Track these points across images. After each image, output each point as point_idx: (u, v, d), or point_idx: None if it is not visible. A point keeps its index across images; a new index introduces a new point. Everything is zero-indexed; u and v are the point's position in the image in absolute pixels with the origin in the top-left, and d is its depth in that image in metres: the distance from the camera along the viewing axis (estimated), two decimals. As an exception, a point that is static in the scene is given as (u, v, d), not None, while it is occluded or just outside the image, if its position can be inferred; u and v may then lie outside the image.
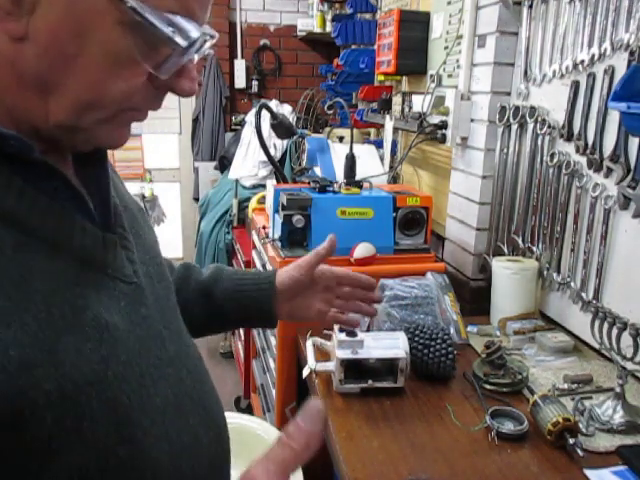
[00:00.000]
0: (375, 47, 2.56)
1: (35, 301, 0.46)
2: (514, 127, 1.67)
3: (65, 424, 0.46)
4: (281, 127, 2.17)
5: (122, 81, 0.49)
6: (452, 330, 1.47)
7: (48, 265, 0.49)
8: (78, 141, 0.53)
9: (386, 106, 2.60)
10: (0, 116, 0.48)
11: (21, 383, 0.43)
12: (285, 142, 3.09)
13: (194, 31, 0.49)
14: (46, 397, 0.44)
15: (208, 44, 0.54)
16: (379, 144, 2.59)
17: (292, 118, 3.53)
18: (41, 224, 0.49)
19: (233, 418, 1.46)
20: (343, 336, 1.25)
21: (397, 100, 2.57)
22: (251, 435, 1.42)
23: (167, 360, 0.59)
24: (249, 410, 2.58)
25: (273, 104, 3.33)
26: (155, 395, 0.55)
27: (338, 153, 2.33)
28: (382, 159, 2.42)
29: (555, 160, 1.52)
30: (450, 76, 2.02)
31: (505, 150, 1.71)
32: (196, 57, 0.54)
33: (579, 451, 1.01)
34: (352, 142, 1.92)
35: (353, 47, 3.08)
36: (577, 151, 1.46)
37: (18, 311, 0.45)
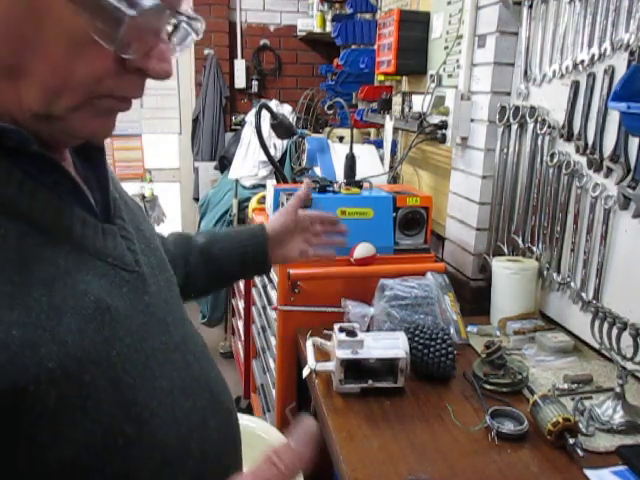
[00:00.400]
0: (375, 47, 2.56)
1: (37, 286, 0.48)
2: (514, 127, 1.67)
3: (69, 401, 0.47)
4: (281, 127, 2.17)
5: (87, 63, 0.48)
6: (452, 330, 1.47)
7: (50, 253, 0.50)
8: (56, 132, 0.52)
9: (386, 106, 2.60)
10: None
11: (25, 361, 0.45)
12: (285, 142, 3.09)
13: (148, 1, 0.48)
14: (50, 374, 0.46)
15: (184, 26, 0.53)
16: (379, 144, 2.59)
17: (292, 118, 3.52)
18: (41, 215, 0.51)
19: (233, 418, 1.46)
20: (343, 336, 1.25)
21: (397, 100, 2.57)
22: (251, 435, 1.41)
23: (173, 345, 0.61)
24: (249, 410, 2.58)
25: (273, 104, 3.33)
26: (161, 377, 0.57)
27: (338, 153, 2.33)
28: (382, 159, 2.42)
29: (555, 160, 1.52)
30: (450, 76, 2.02)
31: (505, 150, 1.71)
32: (174, 40, 0.53)
33: (579, 451, 1.01)
34: (352, 142, 1.92)
35: (353, 47, 3.08)
36: (577, 151, 1.46)
37: (21, 295, 0.46)
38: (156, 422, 0.54)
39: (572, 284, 1.50)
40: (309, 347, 1.35)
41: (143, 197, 3.98)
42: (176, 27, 0.53)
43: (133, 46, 0.48)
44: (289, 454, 0.50)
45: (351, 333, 1.25)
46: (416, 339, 1.31)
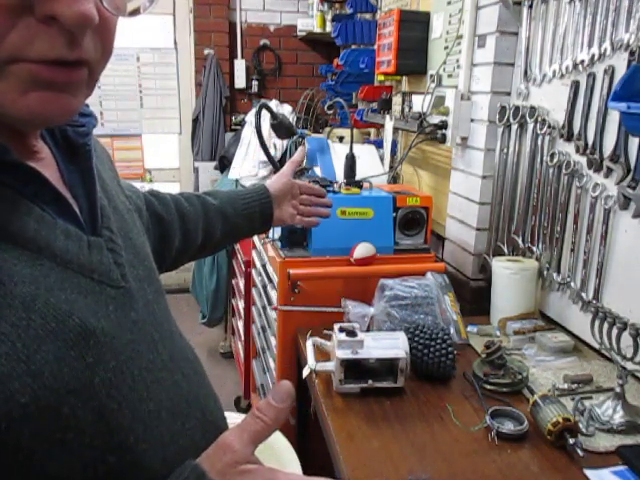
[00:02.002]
0: (375, 47, 2.56)
1: (15, 307, 0.44)
2: (514, 127, 1.67)
3: (46, 436, 0.44)
4: (281, 127, 2.17)
5: None
6: (452, 330, 1.47)
7: (30, 270, 0.46)
8: None
9: (386, 106, 2.60)
10: None
11: None
12: (285, 142, 3.09)
13: None
14: (22, 410, 0.42)
15: None
16: (379, 144, 2.59)
17: (292, 118, 3.52)
18: (21, 229, 0.47)
19: (233, 418, 1.46)
20: (343, 336, 1.25)
21: (397, 100, 2.57)
22: (251, 435, 1.41)
23: (160, 364, 0.58)
24: (249, 410, 2.58)
25: (273, 104, 3.33)
26: (148, 399, 0.54)
27: (338, 153, 2.32)
28: (382, 159, 2.42)
29: (555, 160, 1.52)
30: (450, 76, 2.02)
31: (505, 150, 1.71)
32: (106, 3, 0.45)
33: (579, 451, 1.01)
34: (352, 142, 1.92)
35: (353, 47, 3.08)
36: (577, 151, 1.46)
37: None
38: (141, 448, 0.51)
39: (572, 284, 1.50)
40: (309, 347, 1.35)
41: (143, 197, 3.98)
42: None
43: None
44: (271, 409, 0.54)
45: (351, 333, 1.25)
46: (416, 339, 1.31)
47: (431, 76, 2.15)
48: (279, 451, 1.34)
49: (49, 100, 0.45)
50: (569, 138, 1.48)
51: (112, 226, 0.59)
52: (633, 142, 1.28)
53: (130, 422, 0.51)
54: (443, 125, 1.89)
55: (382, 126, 2.57)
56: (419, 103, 2.06)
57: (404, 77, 2.55)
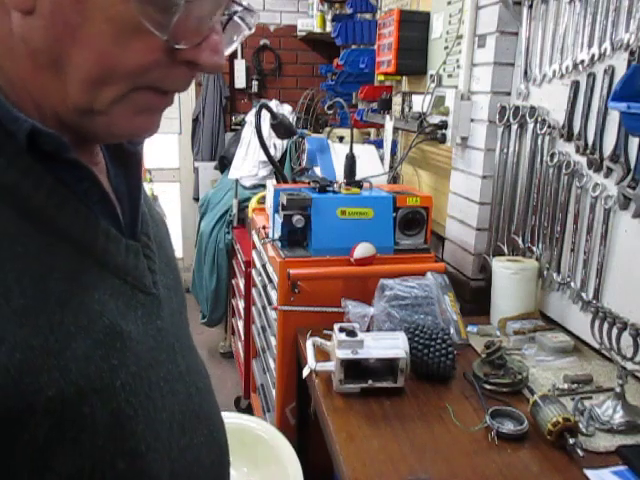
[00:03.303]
0: (375, 47, 2.56)
1: (50, 302, 0.45)
2: (514, 127, 1.67)
3: (62, 433, 0.44)
4: (281, 127, 2.17)
5: (134, 52, 0.46)
6: (452, 330, 1.47)
7: (69, 266, 0.48)
8: (99, 129, 0.50)
9: (386, 106, 2.60)
10: (27, 103, 0.48)
11: (22, 388, 0.42)
12: (285, 142, 3.09)
13: None
14: (47, 404, 0.43)
15: (239, 16, 0.50)
16: (379, 144, 2.59)
17: (292, 118, 3.52)
18: (68, 225, 0.48)
19: (233, 418, 1.46)
20: (343, 336, 1.25)
21: (397, 100, 2.57)
22: (251, 435, 1.41)
23: (177, 375, 0.58)
24: (249, 410, 2.58)
25: (273, 104, 3.33)
26: (162, 410, 0.54)
27: (338, 153, 2.33)
28: (382, 159, 2.42)
29: (555, 160, 1.52)
30: (450, 76, 2.02)
31: (505, 150, 1.71)
32: (229, 32, 0.50)
33: (579, 451, 1.01)
34: (352, 142, 1.92)
35: (353, 47, 3.08)
36: (577, 151, 1.46)
37: (32, 311, 0.43)
38: (151, 457, 0.51)
39: (572, 284, 1.50)
40: (309, 347, 1.35)
41: (143, 197, 3.98)
42: (230, 18, 0.50)
43: (186, 36, 0.46)
44: None
45: (351, 333, 1.25)
46: (416, 339, 1.31)
47: (431, 76, 2.15)
48: (279, 451, 1.34)
49: (151, 121, 0.52)
50: (569, 138, 1.48)
51: (150, 233, 0.60)
52: (633, 142, 1.28)
53: (143, 430, 0.51)
54: (443, 125, 1.89)
55: (382, 126, 2.57)
56: (419, 103, 2.06)
57: (404, 77, 2.55)
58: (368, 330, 1.47)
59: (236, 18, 0.51)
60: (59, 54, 0.45)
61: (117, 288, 0.52)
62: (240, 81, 4.05)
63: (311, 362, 1.29)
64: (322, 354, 1.35)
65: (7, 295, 0.42)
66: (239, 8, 0.50)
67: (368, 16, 3.05)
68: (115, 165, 0.59)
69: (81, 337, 0.46)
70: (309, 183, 1.83)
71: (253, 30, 0.53)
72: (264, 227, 1.94)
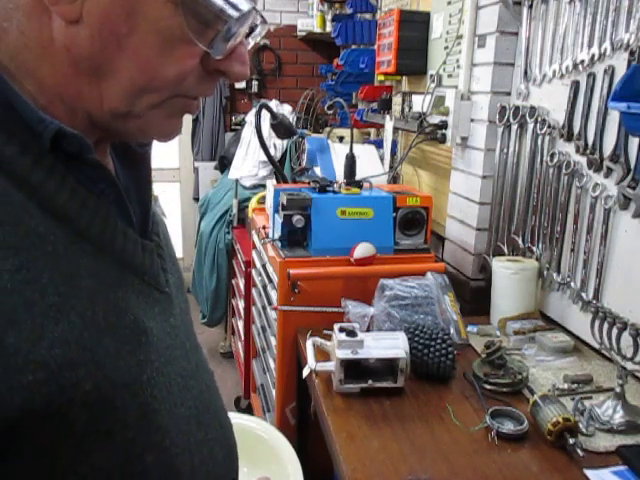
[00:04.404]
0: (375, 47, 2.56)
1: (82, 299, 0.46)
2: (514, 127, 1.67)
3: (98, 425, 0.46)
4: (281, 127, 2.17)
5: (175, 62, 0.48)
6: (452, 330, 1.47)
7: (94, 264, 0.49)
8: (131, 130, 0.52)
9: (386, 106, 2.60)
10: (58, 106, 0.48)
11: (62, 382, 0.43)
12: (285, 142, 3.09)
13: (245, 5, 0.48)
14: (85, 397, 0.44)
15: (259, 29, 0.54)
16: (379, 144, 2.59)
17: (292, 118, 3.52)
18: (89, 224, 0.50)
19: (233, 418, 1.46)
20: (343, 336, 1.25)
21: (397, 100, 2.57)
22: (251, 435, 1.41)
23: (190, 371, 0.60)
24: (249, 410, 2.58)
25: (273, 104, 3.33)
26: (180, 405, 0.55)
27: (338, 153, 2.33)
28: (382, 159, 2.42)
29: (555, 160, 1.52)
30: (450, 76, 2.02)
31: (505, 150, 1.71)
32: (250, 42, 0.53)
33: (579, 451, 1.01)
34: (352, 142, 1.92)
35: (353, 47, 3.08)
36: (577, 151, 1.46)
37: (66, 308, 0.45)
38: (175, 451, 0.53)
39: (572, 284, 1.50)
40: (309, 347, 1.35)
41: (143, 197, 3.98)
42: (252, 30, 0.53)
43: (220, 47, 0.49)
44: None
45: (351, 333, 1.25)
46: (416, 339, 1.31)
47: (431, 76, 2.15)
48: (279, 451, 1.34)
49: (179, 124, 0.55)
50: (569, 138, 1.48)
51: (160, 233, 0.62)
52: (633, 142, 1.28)
53: (167, 424, 0.52)
54: (443, 125, 1.89)
55: (382, 126, 2.57)
56: (419, 103, 2.06)
57: (404, 77, 2.55)
58: (368, 330, 1.47)
59: (257, 29, 0.54)
60: (103, 62, 0.47)
61: (137, 286, 0.53)
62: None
63: (311, 362, 1.29)
64: (322, 354, 1.34)
65: (42, 292, 0.44)
66: (259, 20, 0.53)
67: (368, 16, 3.05)
68: (123, 166, 0.60)
69: (111, 332, 0.48)
70: (309, 183, 1.83)
71: (260, 38, 0.55)
72: (264, 227, 1.94)
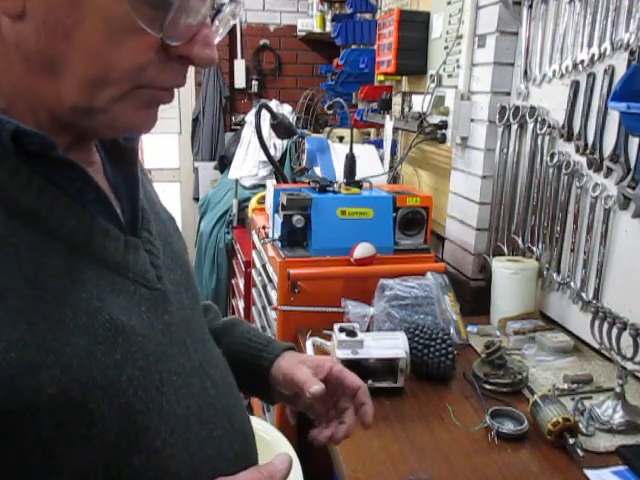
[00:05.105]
0: (375, 47, 2.56)
1: (47, 300, 0.45)
2: (514, 127, 1.67)
3: (70, 429, 0.45)
4: (281, 127, 2.17)
5: (129, 51, 0.46)
6: (452, 330, 1.47)
7: (65, 265, 0.48)
8: (100, 125, 0.50)
9: (386, 106, 2.60)
10: (19, 107, 0.48)
11: (20, 386, 0.42)
12: (285, 142, 3.09)
13: None
14: (49, 401, 0.43)
15: (228, 9, 0.51)
16: (379, 144, 2.59)
17: (292, 118, 3.52)
18: (60, 224, 0.48)
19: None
20: (343, 336, 1.25)
21: (397, 100, 2.57)
22: (251, 435, 1.41)
23: (190, 369, 0.58)
24: (249, 410, 2.58)
25: (273, 104, 3.33)
26: (176, 403, 0.54)
27: (338, 153, 2.32)
28: (382, 159, 2.42)
29: (555, 160, 1.52)
30: (450, 76, 2.02)
31: (505, 150, 1.71)
32: (216, 23, 0.51)
33: (579, 451, 1.01)
34: (352, 142, 1.92)
35: (353, 47, 3.08)
36: (577, 151, 1.46)
37: (28, 310, 0.44)
38: (168, 452, 0.52)
39: (572, 284, 1.50)
40: (309, 347, 1.35)
41: (143, 197, 3.98)
42: (218, 10, 0.50)
43: (178, 32, 0.46)
44: (271, 467, 0.56)
45: (351, 333, 1.25)
46: (416, 339, 1.31)
47: (431, 76, 2.15)
48: (279, 451, 1.34)
49: (149, 116, 0.52)
50: (569, 138, 1.48)
51: (152, 229, 0.60)
52: (633, 142, 1.28)
53: (157, 424, 0.51)
54: (443, 125, 1.89)
55: (382, 126, 2.57)
56: (419, 103, 2.06)
57: (404, 77, 2.55)
58: (368, 330, 1.47)
59: (226, 7, 0.51)
60: (53, 57, 0.45)
61: (118, 285, 0.52)
62: (240, 81, 4.05)
63: (311, 362, 1.29)
64: (322, 354, 1.34)
65: (1, 296, 0.43)
66: (226, 0, 0.50)
67: (368, 16, 3.05)
68: (112, 163, 0.59)
69: (80, 333, 0.46)
70: (309, 183, 1.83)
71: (238, 18, 0.53)
72: (264, 227, 1.94)
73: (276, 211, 1.76)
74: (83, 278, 0.49)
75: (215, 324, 0.86)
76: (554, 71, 1.52)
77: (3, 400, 0.41)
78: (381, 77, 2.69)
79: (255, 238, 2.14)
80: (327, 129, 3.17)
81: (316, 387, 0.72)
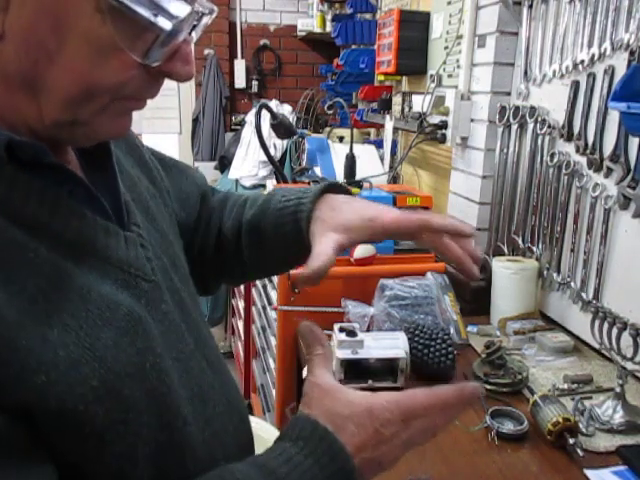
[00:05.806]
0: (375, 47, 2.56)
1: (72, 300, 0.47)
2: (514, 127, 1.67)
3: (113, 417, 0.48)
4: (281, 127, 2.17)
5: (111, 70, 0.46)
6: (452, 330, 1.47)
7: (77, 266, 0.50)
8: (78, 136, 0.51)
9: (386, 106, 2.60)
10: None
11: (71, 381, 0.45)
12: (285, 142, 3.09)
13: (181, 10, 0.46)
14: (94, 393, 0.46)
15: (205, 19, 0.51)
16: (379, 144, 2.59)
17: (292, 118, 3.52)
18: (63, 228, 0.50)
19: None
20: (343, 336, 1.25)
21: (397, 100, 2.57)
22: (251, 435, 1.41)
23: (188, 353, 0.61)
24: (249, 410, 2.58)
25: (273, 104, 3.33)
26: (182, 386, 0.57)
27: (338, 153, 2.32)
28: (382, 159, 2.42)
29: (555, 160, 1.52)
30: (450, 76, 2.02)
31: (505, 150, 1.71)
32: (193, 36, 0.52)
33: (579, 451, 1.01)
34: (352, 142, 1.92)
35: (353, 47, 3.08)
36: (577, 151, 1.46)
37: (57, 312, 0.46)
38: (187, 430, 0.55)
39: (572, 284, 1.50)
40: (309, 347, 1.35)
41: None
42: (196, 25, 0.52)
43: (159, 52, 0.48)
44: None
45: (351, 333, 1.25)
46: (416, 339, 1.31)
47: (431, 76, 2.15)
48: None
49: (127, 123, 0.54)
50: (569, 138, 1.48)
51: (138, 221, 0.61)
52: (633, 142, 1.28)
53: (177, 404, 0.55)
54: (443, 125, 1.89)
55: (382, 126, 2.57)
56: (419, 103, 2.06)
57: (404, 77, 2.55)
58: (368, 330, 1.47)
59: (202, 21, 0.52)
60: (36, 77, 0.45)
61: (122, 281, 0.54)
62: (240, 81, 4.05)
63: (311, 362, 1.29)
64: (322, 354, 1.34)
65: (32, 300, 0.44)
66: (206, 10, 0.51)
67: (368, 16, 3.05)
68: (87, 161, 0.59)
69: (107, 328, 0.49)
70: (309, 183, 1.83)
71: (214, 16, 0.53)
72: (264, 227, 1.93)
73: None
74: (96, 277, 0.51)
75: (250, 214, 0.82)
76: (554, 71, 1.52)
77: (60, 394, 0.44)
78: (381, 77, 2.69)
79: (255, 238, 2.14)
80: (327, 129, 3.17)
81: (306, 272, 0.69)
